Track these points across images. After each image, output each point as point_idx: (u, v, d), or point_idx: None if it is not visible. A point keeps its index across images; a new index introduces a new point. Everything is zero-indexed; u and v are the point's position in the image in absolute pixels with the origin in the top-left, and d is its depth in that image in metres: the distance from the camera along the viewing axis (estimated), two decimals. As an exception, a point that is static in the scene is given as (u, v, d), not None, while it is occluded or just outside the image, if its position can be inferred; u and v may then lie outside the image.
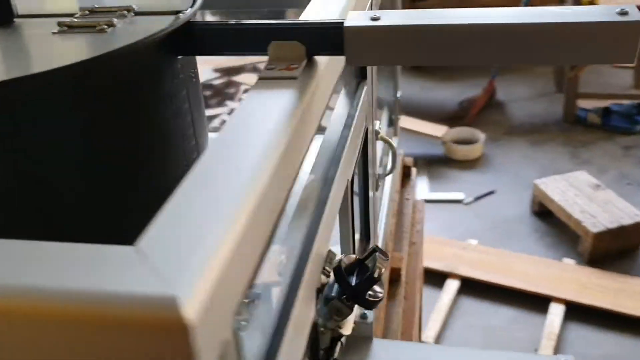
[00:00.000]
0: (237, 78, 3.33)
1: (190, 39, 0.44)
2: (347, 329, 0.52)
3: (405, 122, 3.07)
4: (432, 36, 0.40)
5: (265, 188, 0.29)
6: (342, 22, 0.41)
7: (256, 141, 0.32)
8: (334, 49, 0.41)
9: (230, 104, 3.08)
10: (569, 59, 0.39)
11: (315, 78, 0.40)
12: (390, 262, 1.01)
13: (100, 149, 0.40)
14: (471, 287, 2.17)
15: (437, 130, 3.02)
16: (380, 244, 0.92)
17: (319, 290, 0.53)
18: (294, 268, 0.39)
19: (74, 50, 0.40)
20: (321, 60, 0.43)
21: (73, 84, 0.37)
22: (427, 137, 3.01)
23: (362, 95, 0.63)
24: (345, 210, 0.58)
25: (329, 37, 0.41)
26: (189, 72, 0.46)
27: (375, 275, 0.51)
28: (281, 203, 0.32)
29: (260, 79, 0.40)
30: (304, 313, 0.39)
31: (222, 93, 3.21)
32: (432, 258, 2.26)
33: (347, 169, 0.55)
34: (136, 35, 0.40)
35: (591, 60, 0.39)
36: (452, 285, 2.17)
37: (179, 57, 0.44)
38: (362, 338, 0.59)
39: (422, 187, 2.79)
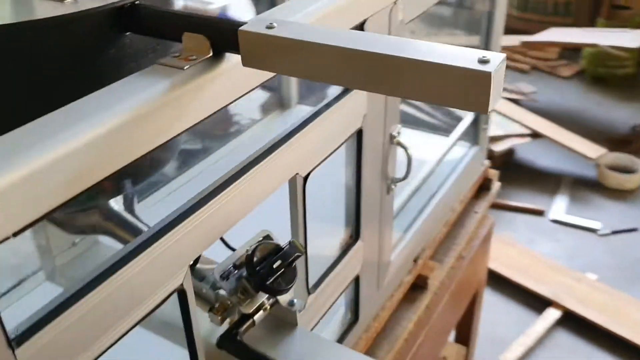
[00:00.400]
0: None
1: (136, 18, 0.49)
2: (247, 308, 0.56)
3: (560, 135, 2.88)
4: (310, 53, 0.41)
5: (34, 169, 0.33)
6: (240, 25, 0.43)
7: (73, 121, 0.37)
8: (233, 49, 0.44)
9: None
10: (427, 97, 0.38)
11: (207, 73, 0.44)
12: (419, 268, 1.01)
13: (37, 108, 0.46)
14: (572, 322, 2.03)
15: (593, 150, 2.79)
16: (400, 248, 0.92)
17: (237, 267, 0.57)
18: (146, 237, 0.44)
19: (28, 11, 0.48)
20: (234, 58, 0.46)
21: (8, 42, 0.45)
22: (580, 156, 2.80)
23: (349, 97, 0.64)
24: (294, 202, 0.61)
25: (227, 37, 0.44)
26: (142, 48, 0.52)
27: (274, 266, 0.53)
28: (70, 187, 0.36)
29: (156, 63, 0.44)
30: (145, 279, 0.44)
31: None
32: (539, 281, 2.14)
33: (292, 163, 0.58)
34: (80, 8, 0.47)
35: (448, 102, 0.38)
36: (551, 315, 2.04)
37: (127, 33, 0.50)
38: (287, 323, 0.62)
39: (559, 207, 2.62)
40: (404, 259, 0.95)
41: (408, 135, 1.35)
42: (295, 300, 0.61)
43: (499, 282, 2.18)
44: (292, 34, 0.42)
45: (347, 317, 0.84)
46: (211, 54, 0.45)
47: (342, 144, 0.65)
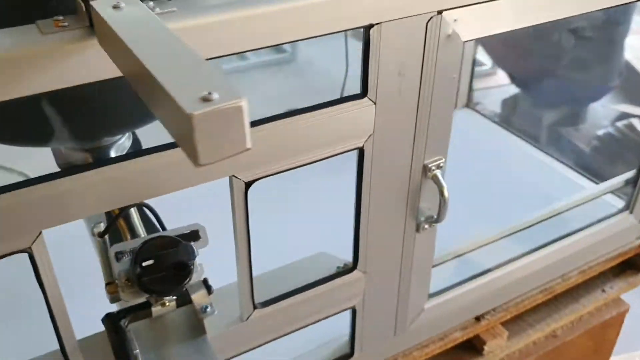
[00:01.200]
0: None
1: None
2: (127, 296, 0.53)
3: None
4: (116, 46, 0.35)
5: None
6: (94, -1, 0.39)
7: None
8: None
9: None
10: (167, 124, 0.30)
11: (63, 45, 0.40)
12: (477, 328, 0.85)
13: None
14: None
15: None
16: (447, 297, 0.79)
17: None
18: None
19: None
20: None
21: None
22: None
23: (330, 110, 0.56)
24: (233, 206, 0.55)
25: (88, 10, 0.40)
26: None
27: (144, 264, 0.49)
28: None
29: (35, 23, 0.42)
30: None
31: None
32: None
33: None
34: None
35: (175, 137, 0.29)
36: None
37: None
38: (197, 328, 0.57)
39: None
40: (454, 311, 0.82)
41: (546, 169, 1.13)
42: (209, 308, 0.57)
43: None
44: (114, 21, 0.36)
45: (345, 348, 0.76)
46: (88, 25, 0.42)
47: (313, 162, 0.56)
